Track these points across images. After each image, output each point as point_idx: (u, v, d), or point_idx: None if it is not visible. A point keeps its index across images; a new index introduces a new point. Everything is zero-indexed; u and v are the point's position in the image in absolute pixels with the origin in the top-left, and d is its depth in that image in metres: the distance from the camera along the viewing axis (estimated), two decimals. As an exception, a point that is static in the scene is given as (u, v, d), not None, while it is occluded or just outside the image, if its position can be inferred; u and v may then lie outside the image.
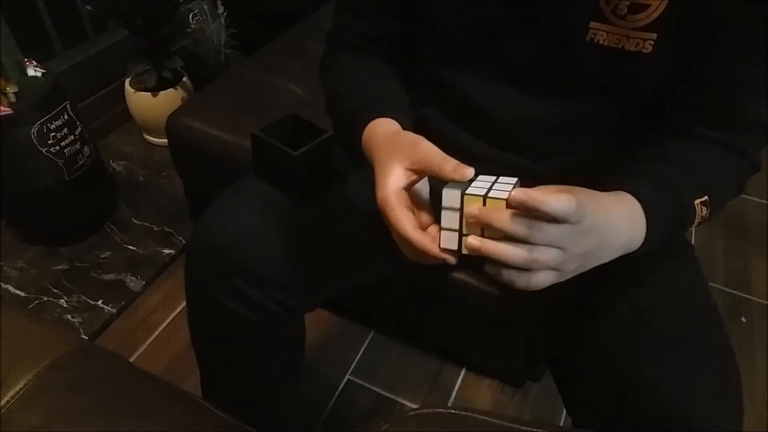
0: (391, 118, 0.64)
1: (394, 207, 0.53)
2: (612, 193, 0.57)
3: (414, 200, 0.55)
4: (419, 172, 0.55)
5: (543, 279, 0.49)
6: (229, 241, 0.70)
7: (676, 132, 0.65)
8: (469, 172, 0.50)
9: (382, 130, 0.63)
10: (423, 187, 0.57)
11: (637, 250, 0.57)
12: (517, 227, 0.47)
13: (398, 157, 0.55)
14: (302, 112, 0.79)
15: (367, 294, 1.23)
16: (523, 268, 0.48)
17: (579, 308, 0.68)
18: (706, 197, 0.61)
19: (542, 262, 0.48)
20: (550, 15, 0.63)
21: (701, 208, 0.60)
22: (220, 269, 0.71)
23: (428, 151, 0.54)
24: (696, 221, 0.61)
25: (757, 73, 0.61)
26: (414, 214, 0.54)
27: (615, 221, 0.53)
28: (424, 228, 0.54)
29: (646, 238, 0.56)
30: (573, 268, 0.51)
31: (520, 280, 0.49)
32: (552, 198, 0.46)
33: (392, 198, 0.53)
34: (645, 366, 0.60)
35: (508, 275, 0.49)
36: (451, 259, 0.51)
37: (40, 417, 0.51)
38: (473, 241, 0.48)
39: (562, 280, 0.51)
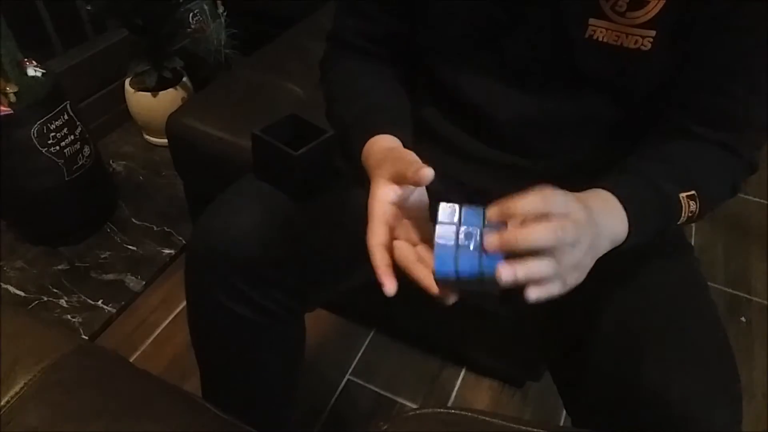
0: (391, 134, 0.64)
1: (372, 219, 0.53)
2: (586, 191, 0.56)
3: (412, 213, 0.55)
4: (398, 182, 0.54)
5: (577, 277, 0.49)
6: (229, 241, 0.70)
7: (672, 131, 0.65)
8: (427, 172, 0.49)
9: (378, 147, 0.63)
10: (420, 198, 0.57)
11: (624, 243, 0.56)
12: (548, 236, 0.45)
13: (383, 170, 0.56)
14: (302, 112, 0.79)
15: (367, 294, 1.23)
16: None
17: (577, 308, 0.68)
18: (693, 192, 0.60)
19: (571, 264, 0.47)
20: (548, 12, 0.63)
21: (688, 202, 0.60)
22: (220, 269, 0.71)
23: (405, 158, 0.55)
24: (684, 215, 0.60)
25: (756, 72, 0.61)
26: (394, 230, 0.54)
27: (597, 212, 0.53)
28: (413, 244, 0.54)
29: (630, 230, 0.56)
30: (588, 262, 0.50)
31: (555, 289, 0.47)
32: (522, 200, 0.45)
33: (374, 210, 0.53)
34: (644, 366, 0.60)
35: (548, 291, 0.47)
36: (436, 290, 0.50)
37: (40, 417, 0.51)
38: (507, 274, 0.44)
39: (583, 276, 0.50)
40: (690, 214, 0.61)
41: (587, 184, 0.58)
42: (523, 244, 0.44)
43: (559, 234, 0.45)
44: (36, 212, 1.41)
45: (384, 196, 0.54)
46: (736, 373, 0.62)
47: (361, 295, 1.26)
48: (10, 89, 1.22)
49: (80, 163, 1.37)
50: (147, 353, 1.30)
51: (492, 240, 0.44)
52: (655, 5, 0.58)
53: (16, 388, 0.53)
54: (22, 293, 1.36)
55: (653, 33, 0.59)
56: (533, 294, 0.46)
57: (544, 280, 0.46)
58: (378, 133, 0.64)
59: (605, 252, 0.54)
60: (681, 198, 0.60)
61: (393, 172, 0.55)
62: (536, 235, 0.44)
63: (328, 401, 1.23)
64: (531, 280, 0.45)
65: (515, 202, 0.45)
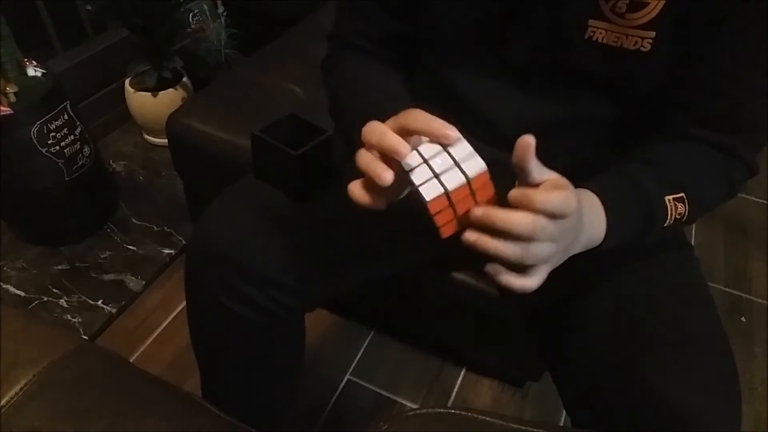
0: None
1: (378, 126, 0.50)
2: (579, 190, 0.56)
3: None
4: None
5: (538, 280, 0.50)
6: (229, 241, 0.70)
7: (671, 133, 0.65)
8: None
9: None
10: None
11: (600, 245, 0.57)
12: (524, 228, 0.46)
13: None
14: (302, 112, 0.79)
15: (367, 294, 1.23)
16: (517, 268, 0.49)
17: (576, 308, 0.68)
18: (681, 194, 0.60)
19: (535, 257, 0.48)
20: (548, 13, 0.63)
21: (675, 205, 0.60)
22: (220, 270, 0.71)
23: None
24: (671, 218, 0.60)
25: (756, 73, 0.61)
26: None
27: (585, 217, 0.54)
28: None
29: (606, 234, 0.56)
30: (555, 261, 0.51)
31: (517, 284, 0.49)
32: (553, 196, 0.46)
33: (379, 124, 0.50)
34: (643, 366, 0.60)
35: (506, 279, 0.49)
36: (385, 178, 0.48)
37: (40, 417, 0.51)
38: (469, 235, 0.48)
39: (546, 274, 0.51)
40: (678, 217, 0.61)
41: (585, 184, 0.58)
42: (500, 225, 0.46)
43: (537, 230, 0.47)
44: (36, 212, 1.41)
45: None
46: (735, 373, 0.62)
47: (361, 295, 1.27)
48: (10, 89, 1.22)
49: (80, 163, 1.37)
50: (147, 353, 1.30)
51: (475, 212, 0.47)
52: (655, 6, 0.58)
53: (16, 388, 0.53)
54: (22, 293, 1.36)
55: (653, 34, 0.59)
56: (490, 268, 0.49)
57: (504, 259, 0.48)
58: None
59: (576, 253, 0.55)
60: (666, 201, 0.59)
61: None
62: (516, 223, 0.46)
63: (328, 401, 1.23)
64: (489, 254, 0.47)
65: (540, 195, 0.46)
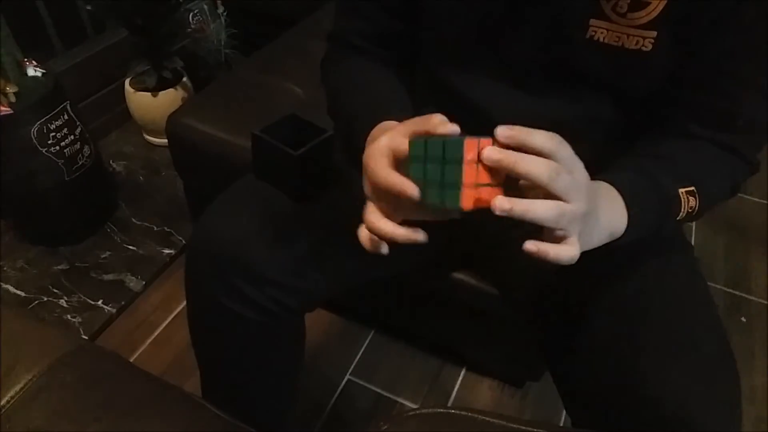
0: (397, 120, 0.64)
1: (377, 157, 0.51)
2: (593, 181, 0.56)
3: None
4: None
5: (578, 250, 0.48)
6: (229, 241, 0.70)
7: (673, 131, 0.65)
8: (454, 127, 0.48)
9: (386, 125, 0.62)
10: None
11: (621, 238, 0.56)
12: (542, 169, 0.44)
13: (393, 129, 0.54)
14: (302, 112, 0.79)
15: (367, 294, 1.23)
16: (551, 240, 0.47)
17: (577, 308, 0.68)
18: (692, 188, 0.60)
19: (569, 214, 0.46)
20: (549, 13, 0.63)
21: (687, 198, 0.59)
22: (220, 270, 0.71)
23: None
24: (683, 212, 0.60)
25: (757, 73, 0.61)
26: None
27: (598, 197, 0.52)
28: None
29: (628, 225, 0.55)
30: (578, 231, 0.49)
31: (565, 253, 0.47)
32: (535, 131, 0.45)
33: (378, 151, 0.52)
34: (643, 366, 0.60)
35: (555, 251, 0.46)
36: (420, 237, 0.50)
37: (40, 417, 0.51)
38: (503, 202, 0.44)
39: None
40: (689, 210, 0.60)
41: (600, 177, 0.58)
42: (519, 166, 0.44)
43: (553, 176, 0.44)
44: (36, 212, 1.41)
45: (388, 142, 0.52)
46: (736, 374, 0.62)
47: (361, 295, 1.27)
48: (10, 89, 1.22)
49: (80, 163, 1.37)
50: (147, 353, 1.30)
51: (491, 153, 0.44)
52: (656, 6, 0.58)
53: (17, 388, 0.53)
54: (22, 293, 1.36)
55: (654, 34, 0.59)
56: (531, 245, 0.46)
57: (540, 222, 0.45)
58: (385, 120, 0.63)
59: (601, 244, 0.53)
60: (680, 193, 0.59)
61: (408, 127, 0.53)
62: (533, 165, 0.44)
63: (328, 401, 1.23)
64: (528, 216, 0.45)
65: (529, 130, 0.45)
